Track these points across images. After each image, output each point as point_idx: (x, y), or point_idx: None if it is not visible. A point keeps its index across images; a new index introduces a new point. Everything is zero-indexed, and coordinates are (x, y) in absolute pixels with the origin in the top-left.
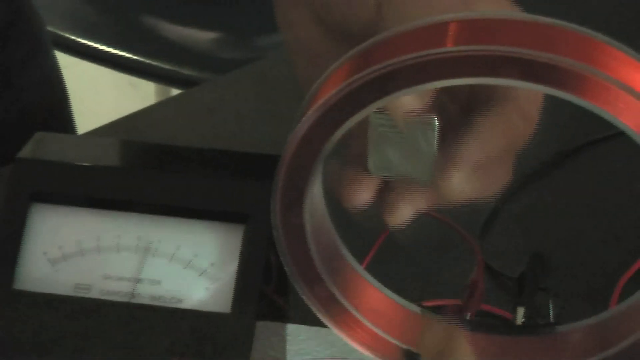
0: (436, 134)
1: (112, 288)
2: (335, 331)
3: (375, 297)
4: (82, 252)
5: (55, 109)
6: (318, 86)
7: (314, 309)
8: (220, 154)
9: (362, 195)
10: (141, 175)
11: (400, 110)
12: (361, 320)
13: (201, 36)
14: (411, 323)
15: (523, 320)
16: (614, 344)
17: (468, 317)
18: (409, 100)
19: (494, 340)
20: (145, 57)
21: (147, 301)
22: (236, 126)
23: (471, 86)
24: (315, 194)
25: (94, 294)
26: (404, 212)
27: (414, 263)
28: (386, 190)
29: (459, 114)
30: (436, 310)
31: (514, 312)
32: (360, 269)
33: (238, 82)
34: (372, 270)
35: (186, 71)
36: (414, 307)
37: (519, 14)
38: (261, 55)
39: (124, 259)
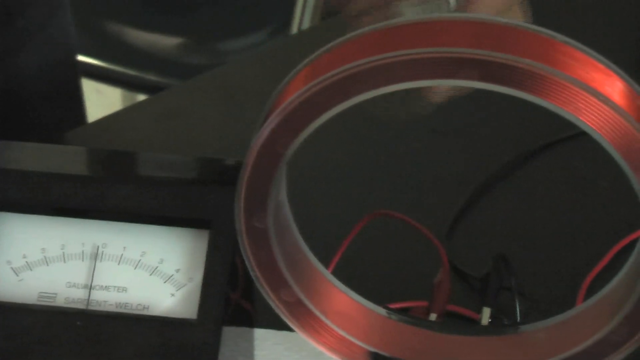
0: None
1: (77, 296)
2: (302, 335)
3: (341, 301)
4: (46, 261)
5: (67, 68)
6: (279, 91)
7: (280, 314)
8: (184, 160)
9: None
10: (105, 183)
11: None
12: (328, 324)
13: (165, 42)
14: (378, 326)
15: (489, 320)
16: (579, 342)
17: (434, 318)
18: None
19: (460, 341)
20: (110, 63)
21: (113, 309)
22: (201, 131)
23: None
24: (279, 198)
25: (59, 303)
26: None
27: (380, 265)
28: None
29: None
30: (403, 311)
31: (480, 312)
32: (326, 272)
33: (202, 88)
34: (338, 273)
35: (151, 77)
36: (380, 310)
37: (476, 16)
38: (225, 60)
39: (88, 266)
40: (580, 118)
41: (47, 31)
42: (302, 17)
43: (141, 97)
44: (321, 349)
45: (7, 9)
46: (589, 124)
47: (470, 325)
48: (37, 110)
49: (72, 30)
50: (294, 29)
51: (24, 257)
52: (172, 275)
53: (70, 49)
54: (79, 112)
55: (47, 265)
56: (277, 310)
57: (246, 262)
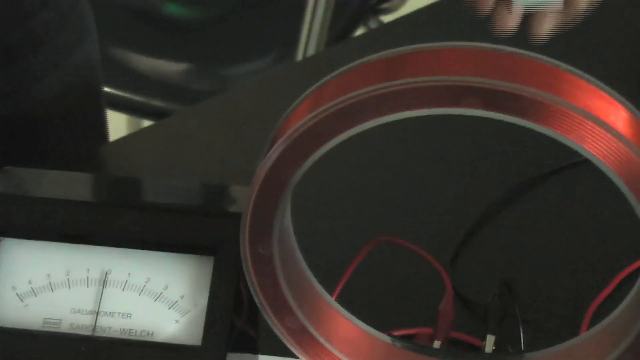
0: None
1: (82, 322)
2: None
3: (345, 327)
4: (51, 286)
5: (92, 92)
6: (284, 118)
7: (285, 340)
8: (189, 186)
9: (512, 21)
10: (111, 209)
11: None
12: (332, 351)
13: (171, 67)
14: (382, 352)
15: (493, 348)
16: None
17: (439, 345)
18: None
19: None
20: (115, 89)
21: (117, 335)
22: (205, 157)
23: None
24: (284, 225)
25: (64, 329)
26: (547, 25)
27: (384, 292)
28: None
29: None
30: (407, 338)
31: (484, 339)
32: (330, 299)
33: (207, 113)
34: (342, 300)
35: (156, 102)
36: (384, 337)
37: (480, 45)
38: (230, 86)
39: (93, 292)
40: (584, 147)
41: (74, 57)
42: (307, 43)
43: (146, 123)
44: None
45: (33, 35)
46: (593, 152)
47: (474, 353)
48: (59, 137)
49: (97, 57)
50: (299, 56)
51: (29, 282)
52: (177, 301)
53: (95, 75)
54: (102, 138)
55: (52, 291)
56: (281, 337)
57: (250, 289)
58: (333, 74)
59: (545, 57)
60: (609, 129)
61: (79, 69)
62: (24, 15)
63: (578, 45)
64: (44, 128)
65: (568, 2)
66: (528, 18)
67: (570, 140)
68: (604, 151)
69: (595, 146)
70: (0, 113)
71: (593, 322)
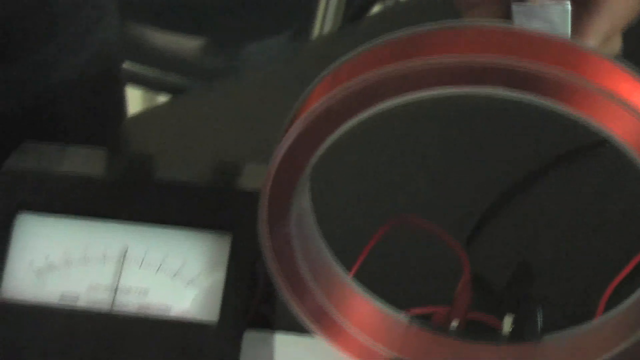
0: (569, 15)
1: (99, 297)
2: (323, 340)
3: (362, 306)
4: (69, 262)
5: (112, 70)
6: (304, 98)
7: (302, 319)
8: (208, 163)
9: None
10: (129, 185)
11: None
12: (349, 330)
13: (187, 43)
14: (399, 332)
15: (510, 329)
16: (602, 353)
17: (455, 325)
18: None
19: (481, 349)
20: (131, 63)
21: (134, 311)
22: (222, 135)
23: None
24: (303, 204)
25: (81, 304)
26: None
27: (401, 271)
28: None
29: None
30: (424, 318)
31: (501, 320)
32: (347, 278)
33: (224, 91)
34: (360, 278)
35: (171, 77)
36: (401, 316)
37: (502, 23)
38: (246, 62)
39: (110, 268)
40: (607, 127)
41: (93, 37)
42: (324, 21)
43: (162, 98)
44: (342, 354)
45: (51, 16)
46: (616, 134)
47: (491, 334)
48: (78, 113)
49: (117, 35)
50: (315, 34)
51: (47, 258)
52: (194, 278)
53: (115, 54)
54: (120, 115)
55: (70, 266)
56: (299, 316)
57: (269, 267)
58: (352, 54)
59: (566, 36)
60: (633, 110)
61: (98, 48)
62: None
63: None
64: (63, 105)
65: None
66: None
67: (592, 121)
68: (627, 133)
69: (618, 127)
70: (19, 90)
71: (609, 304)
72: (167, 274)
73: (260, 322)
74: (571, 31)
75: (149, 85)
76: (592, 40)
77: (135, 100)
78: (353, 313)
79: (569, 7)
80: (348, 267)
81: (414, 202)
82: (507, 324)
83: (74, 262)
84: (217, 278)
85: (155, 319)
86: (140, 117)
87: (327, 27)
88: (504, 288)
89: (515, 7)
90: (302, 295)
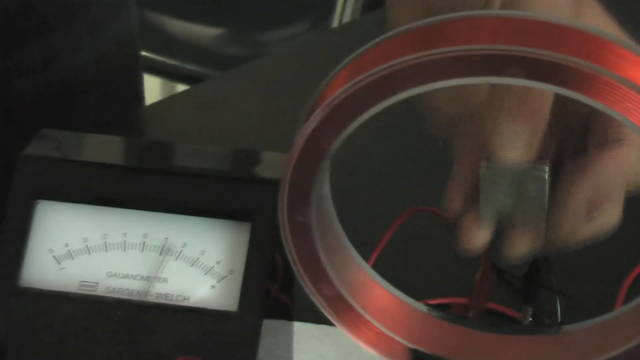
0: (547, 181)
1: (118, 286)
2: (341, 329)
3: (381, 296)
4: (88, 250)
5: (129, 60)
6: (324, 85)
7: (321, 308)
8: (227, 151)
9: (480, 238)
10: (147, 173)
11: (509, 163)
12: (367, 319)
13: (205, 32)
14: (418, 322)
15: (530, 319)
16: (619, 345)
17: (474, 315)
18: (517, 155)
19: (500, 339)
20: (150, 52)
21: (153, 299)
22: (240, 123)
23: (584, 127)
24: (322, 192)
25: (100, 292)
26: (521, 249)
27: (420, 261)
28: (505, 227)
29: (571, 158)
30: (442, 308)
31: (521, 311)
32: (366, 267)
33: (242, 79)
34: (378, 268)
35: (190, 67)
36: (420, 306)
37: (524, 13)
38: (265, 51)
39: (129, 256)
40: (629, 118)
41: (112, 27)
42: (343, 10)
43: (180, 87)
44: (360, 343)
45: (69, 7)
46: (637, 123)
47: (510, 324)
48: (96, 102)
49: (135, 25)
50: (335, 22)
51: (66, 245)
52: (213, 267)
53: (133, 43)
54: (137, 103)
55: (89, 254)
56: (318, 305)
57: (288, 256)
58: (373, 42)
59: (590, 27)
60: None
61: (117, 38)
62: None
63: (623, 15)
64: (81, 94)
65: (551, 224)
66: (500, 235)
67: (614, 111)
68: None
69: (639, 118)
70: (38, 79)
71: (629, 295)
72: (187, 262)
73: (279, 310)
74: (548, 201)
75: (168, 74)
76: (571, 214)
77: (154, 89)
78: (371, 302)
79: (547, 174)
80: (366, 256)
81: (433, 192)
82: (526, 314)
83: (93, 249)
84: (237, 267)
85: (175, 307)
86: (159, 105)
87: (347, 16)
88: (523, 278)
89: (484, 168)
90: (320, 284)
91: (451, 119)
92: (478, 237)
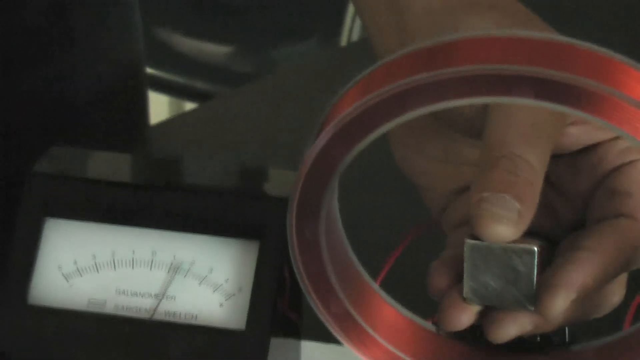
0: (536, 261)
1: (127, 303)
2: (349, 348)
3: (389, 314)
4: (97, 267)
5: (134, 82)
6: (334, 103)
7: (329, 326)
8: (236, 169)
9: (462, 320)
10: (156, 190)
11: (498, 240)
12: (375, 338)
13: (214, 49)
14: (426, 341)
15: (538, 338)
16: None
17: (482, 334)
18: (505, 231)
19: (508, 358)
20: (159, 70)
21: (161, 317)
22: (248, 140)
23: (581, 204)
24: (331, 210)
25: (108, 309)
26: (508, 332)
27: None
28: (490, 308)
29: (564, 237)
30: None
31: None
32: (374, 285)
33: (250, 96)
34: (387, 286)
35: (199, 84)
36: (428, 325)
37: (532, 33)
38: (274, 68)
39: (138, 274)
40: (637, 138)
41: (115, 53)
42: (352, 28)
43: (188, 105)
44: None
45: (73, 32)
46: None
47: (519, 343)
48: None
49: (141, 51)
50: (344, 41)
51: (75, 262)
52: (221, 284)
53: (138, 69)
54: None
55: (98, 271)
56: (326, 323)
57: (296, 274)
58: (383, 60)
59: (599, 47)
60: None
61: (122, 62)
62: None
63: (631, 35)
64: (87, 114)
65: (542, 307)
66: (487, 316)
67: (623, 132)
68: None
69: None
70: (44, 98)
71: (638, 317)
72: (195, 279)
73: (287, 329)
74: (537, 284)
75: (176, 92)
76: (564, 295)
77: (162, 107)
78: (380, 320)
79: (536, 254)
80: (374, 274)
81: None
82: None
83: (102, 267)
84: (245, 285)
85: (183, 325)
86: (167, 122)
87: (355, 34)
88: None
89: (469, 245)
90: (329, 302)
91: (443, 196)
92: (459, 318)
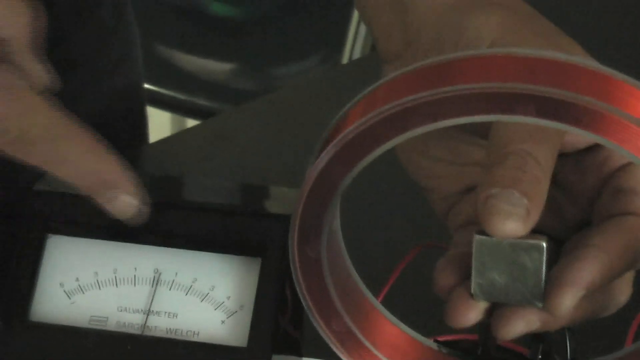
0: (545, 257)
1: (128, 320)
2: None
3: (391, 332)
4: (99, 284)
5: (134, 116)
6: (337, 121)
7: (330, 343)
8: (238, 186)
9: (469, 317)
10: (158, 208)
11: (506, 236)
12: (377, 355)
13: (216, 67)
14: (426, 358)
15: (540, 357)
16: None
17: (483, 352)
18: (513, 227)
19: None
20: (160, 87)
21: (163, 334)
22: (253, 157)
23: (587, 203)
24: (333, 227)
25: (110, 326)
26: (515, 329)
27: (430, 297)
28: (498, 305)
29: (574, 233)
30: (452, 345)
31: (531, 348)
32: (376, 303)
33: (252, 113)
34: (388, 304)
35: (201, 101)
36: (430, 343)
37: (534, 51)
38: (276, 85)
39: (140, 291)
40: (639, 157)
41: (114, 80)
42: (354, 46)
43: (190, 122)
44: None
45: (73, 61)
46: None
47: None
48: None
49: (140, 68)
50: (345, 58)
51: (77, 280)
52: (223, 302)
53: (137, 87)
54: (142, 141)
55: (100, 288)
56: (327, 340)
57: (298, 291)
58: (385, 79)
59: (601, 66)
60: None
61: (121, 87)
62: (59, 37)
63: (632, 54)
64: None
65: (550, 304)
66: (495, 313)
67: (624, 150)
68: None
69: None
70: None
71: (638, 334)
72: (197, 297)
73: (288, 346)
74: (545, 281)
75: (177, 109)
76: (573, 292)
77: (164, 124)
78: (381, 338)
79: (544, 250)
80: (376, 291)
81: (442, 228)
82: (537, 351)
83: (104, 284)
84: (247, 302)
85: (185, 342)
86: (169, 139)
87: (357, 52)
88: None
89: (477, 241)
90: (330, 319)
91: (448, 197)
92: (467, 315)
